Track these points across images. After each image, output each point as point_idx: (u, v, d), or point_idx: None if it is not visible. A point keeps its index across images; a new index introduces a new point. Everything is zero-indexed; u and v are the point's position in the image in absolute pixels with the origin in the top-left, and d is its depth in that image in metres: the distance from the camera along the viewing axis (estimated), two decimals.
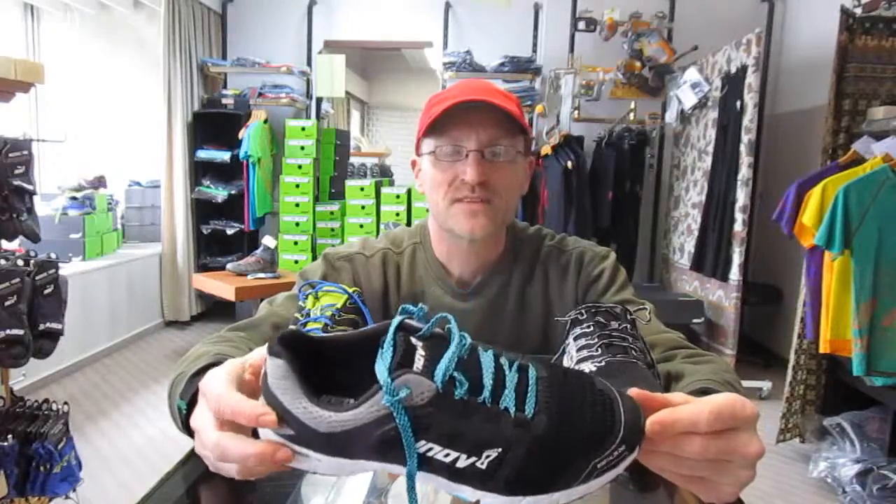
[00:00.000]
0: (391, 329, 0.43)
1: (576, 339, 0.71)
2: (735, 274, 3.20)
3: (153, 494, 0.59)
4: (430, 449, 0.42)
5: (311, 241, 4.28)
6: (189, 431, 0.63)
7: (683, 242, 3.93)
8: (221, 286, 3.48)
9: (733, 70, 3.30)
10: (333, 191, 4.57)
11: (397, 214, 4.24)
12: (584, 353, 0.68)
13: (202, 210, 4.55)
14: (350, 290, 0.84)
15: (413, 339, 0.43)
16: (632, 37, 3.98)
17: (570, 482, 0.42)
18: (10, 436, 1.80)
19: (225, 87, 4.76)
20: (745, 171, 3.12)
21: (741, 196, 3.15)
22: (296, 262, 4.24)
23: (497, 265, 1.00)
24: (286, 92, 4.58)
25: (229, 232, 4.51)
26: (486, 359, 0.44)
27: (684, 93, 3.75)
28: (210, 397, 0.49)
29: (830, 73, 2.56)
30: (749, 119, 3.09)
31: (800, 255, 2.57)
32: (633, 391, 0.46)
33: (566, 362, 0.71)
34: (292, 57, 4.68)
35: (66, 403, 1.99)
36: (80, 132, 4.25)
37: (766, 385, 3.41)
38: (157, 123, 4.33)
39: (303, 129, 4.30)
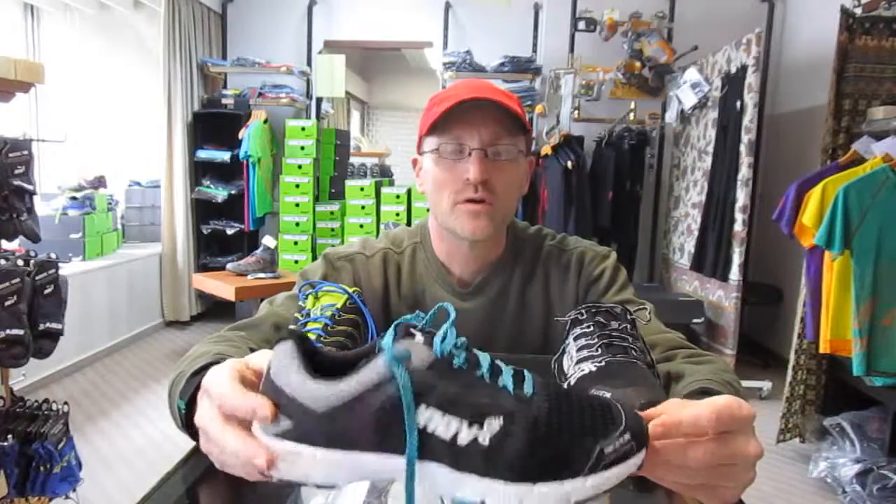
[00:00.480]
0: (393, 325, 0.44)
1: (576, 339, 0.71)
2: (735, 274, 3.20)
3: (153, 494, 0.59)
4: (430, 419, 0.41)
5: (311, 241, 4.28)
6: (189, 431, 0.63)
7: (683, 242, 3.93)
8: (221, 286, 3.48)
9: (733, 70, 3.30)
10: (333, 191, 4.57)
11: (397, 214, 4.24)
12: (584, 353, 0.68)
13: (202, 210, 4.55)
14: (350, 290, 0.84)
15: (413, 330, 0.44)
16: (632, 37, 3.98)
17: (579, 468, 0.41)
18: (10, 436, 1.80)
19: (225, 87, 4.76)
20: (745, 171, 3.12)
21: (741, 196, 3.15)
22: (296, 262, 4.24)
23: (498, 265, 1.00)
24: (286, 92, 4.58)
25: (229, 232, 4.51)
26: (483, 355, 0.45)
27: (684, 93, 3.75)
28: (213, 393, 0.49)
29: (830, 73, 2.56)
30: (749, 119, 3.09)
31: (800, 255, 2.57)
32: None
33: (566, 362, 0.71)
34: (292, 57, 4.68)
35: (66, 403, 1.99)
36: (80, 132, 4.25)
37: (766, 385, 3.41)
38: (157, 123, 4.33)
39: (303, 129, 4.30)
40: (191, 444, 0.65)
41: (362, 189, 4.29)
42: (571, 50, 4.33)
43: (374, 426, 0.41)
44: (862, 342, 2.21)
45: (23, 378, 2.51)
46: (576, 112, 4.15)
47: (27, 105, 4.16)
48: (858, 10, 2.60)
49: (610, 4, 3.98)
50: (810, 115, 3.76)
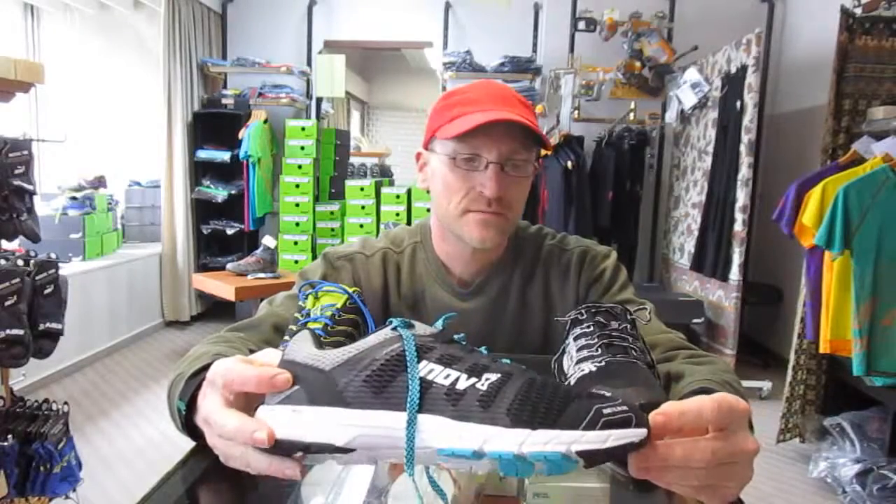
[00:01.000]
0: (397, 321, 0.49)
1: (576, 339, 0.71)
2: (735, 274, 3.20)
3: (153, 494, 0.59)
4: (430, 371, 0.44)
5: (311, 241, 4.28)
6: (189, 431, 0.63)
7: (683, 242, 3.94)
8: (221, 286, 3.48)
9: (733, 70, 3.30)
10: (333, 191, 4.57)
11: (397, 214, 4.24)
12: (584, 353, 0.68)
13: (202, 210, 4.55)
14: (350, 290, 0.84)
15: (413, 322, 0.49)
16: (632, 37, 3.98)
17: (576, 422, 0.40)
18: (10, 436, 1.80)
19: (225, 87, 4.76)
20: (745, 171, 3.12)
21: (741, 196, 3.15)
22: (296, 262, 4.24)
23: (498, 265, 1.00)
24: (286, 92, 4.58)
25: (229, 232, 4.51)
26: (481, 350, 0.48)
27: (684, 93, 3.75)
28: (224, 373, 0.51)
29: (830, 73, 2.56)
30: (749, 119, 3.09)
31: (800, 255, 2.57)
32: None
33: (566, 362, 0.71)
34: (292, 57, 4.68)
35: (66, 403, 1.99)
36: (80, 132, 4.25)
37: (766, 385, 3.41)
38: (157, 123, 4.33)
39: (303, 129, 4.30)
40: (191, 444, 0.65)
41: (362, 189, 4.29)
42: (571, 50, 4.33)
43: (378, 379, 0.44)
44: (862, 342, 2.21)
45: (23, 378, 2.51)
46: (576, 112, 4.15)
47: (27, 105, 4.16)
48: (858, 10, 2.60)
49: (610, 4, 3.98)
50: (810, 115, 3.76)
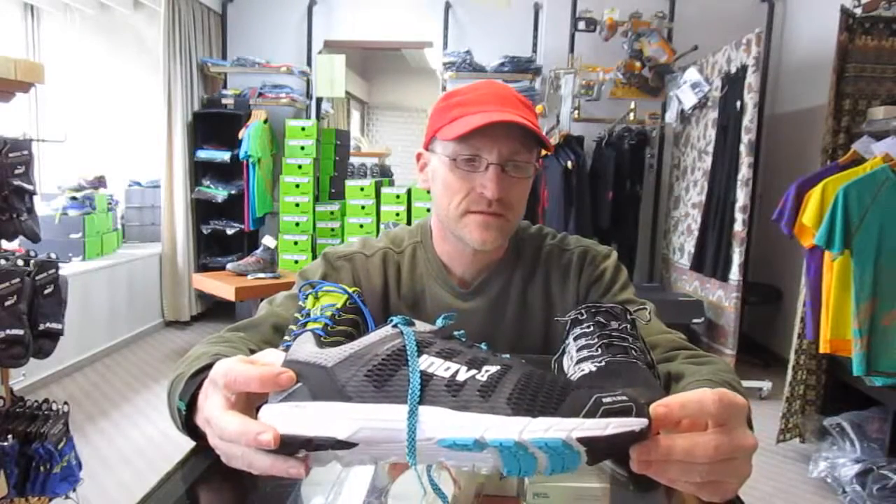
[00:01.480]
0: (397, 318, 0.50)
1: (576, 339, 0.71)
2: (735, 274, 3.20)
3: (153, 494, 0.59)
4: (430, 364, 0.44)
5: (311, 241, 4.28)
6: (189, 431, 0.63)
7: (683, 242, 3.94)
8: (221, 286, 3.48)
9: (733, 70, 3.30)
10: (333, 191, 4.57)
11: (397, 214, 4.24)
12: (584, 353, 0.68)
13: (202, 210, 4.55)
14: (350, 290, 0.84)
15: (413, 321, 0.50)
16: (632, 37, 3.98)
17: (576, 410, 0.40)
18: (10, 436, 1.80)
19: (225, 87, 4.76)
20: (745, 171, 3.12)
21: (741, 196, 3.15)
22: (296, 262, 4.24)
23: (499, 265, 1.00)
24: (286, 92, 4.58)
25: (229, 232, 4.51)
26: (482, 345, 0.49)
27: (684, 93, 3.75)
28: (221, 373, 0.50)
29: (830, 73, 2.56)
30: (749, 119, 3.09)
31: (800, 255, 2.57)
32: None
33: (566, 362, 0.71)
34: (292, 57, 4.68)
35: (66, 403, 1.99)
36: (80, 132, 4.25)
37: (766, 385, 3.41)
38: (157, 123, 4.33)
39: (303, 129, 4.30)
40: (191, 444, 0.66)
41: (362, 189, 4.29)
42: (571, 50, 4.33)
43: (379, 374, 0.44)
44: (862, 342, 2.21)
45: (23, 378, 2.51)
46: (576, 112, 4.15)
47: (27, 105, 4.16)
48: (858, 10, 2.60)
49: (610, 4, 3.98)
50: (810, 115, 3.76)
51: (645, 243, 4.48)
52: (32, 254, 2.00)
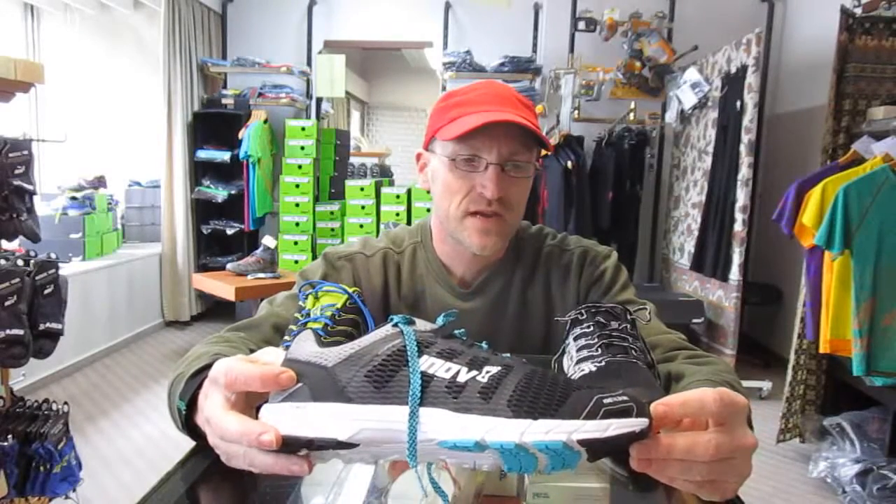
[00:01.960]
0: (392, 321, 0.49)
1: (576, 339, 0.71)
2: (735, 274, 3.20)
3: (153, 494, 0.59)
4: (431, 365, 0.44)
5: (311, 241, 4.28)
6: (189, 431, 0.63)
7: (683, 242, 3.94)
8: (221, 286, 3.48)
9: (733, 70, 3.30)
10: (333, 191, 4.57)
11: (397, 214, 4.24)
12: (584, 353, 0.68)
13: (202, 210, 4.55)
14: (350, 290, 0.84)
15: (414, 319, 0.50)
16: (632, 37, 3.98)
17: (577, 411, 0.40)
18: (10, 436, 1.80)
19: (225, 87, 4.76)
20: (745, 171, 3.12)
21: (741, 196, 3.15)
22: (296, 262, 4.24)
23: (499, 265, 1.00)
24: (286, 92, 4.58)
25: (229, 232, 4.51)
26: (483, 343, 0.49)
27: (684, 93, 3.75)
28: (221, 372, 0.50)
29: (830, 73, 2.56)
30: (749, 119, 3.09)
31: (800, 255, 2.57)
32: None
33: (566, 362, 0.71)
34: (292, 57, 4.68)
35: (66, 403, 1.99)
36: (80, 132, 4.25)
37: (766, 385, 3.41)
38: (157, 123, 4.33)
39: (303, 129, 4.30)
40: (191, 443, 0.66)
41: (362, 189, 4.29)
42: (571, 50, 4.33)
43: (379, 375, 0.44)
44: (862, 342, 2.21)
45: (23, 378, 2.51)
46: (576, 112, 4.15)
47: (27, 105, 4.16)
48: (858, 10, 2.60)
49: (610, 4, 3.98)
50: (810, 115, 3.76)
51: (645, 243, 4.48)
52: (32, 254, 2.00)
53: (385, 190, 4.30)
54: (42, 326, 1.94)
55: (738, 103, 3.18)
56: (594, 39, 4.16)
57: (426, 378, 0.43)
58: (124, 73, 4.68)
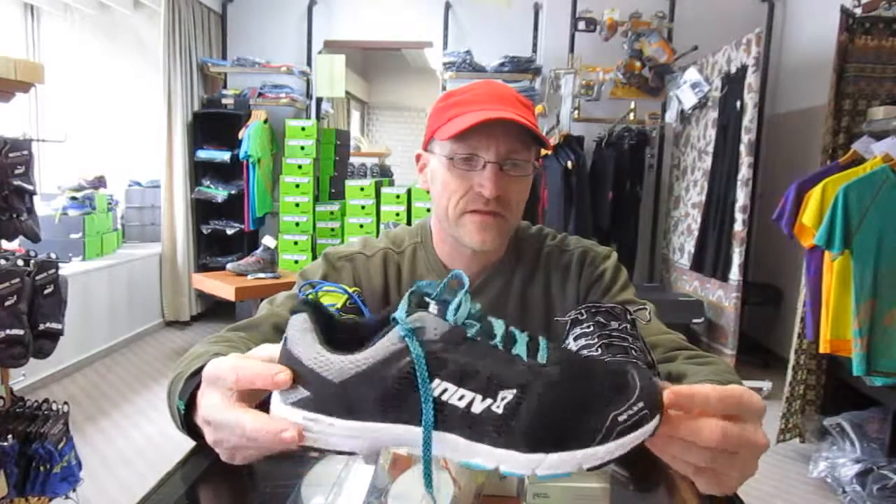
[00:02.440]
0: (407, 293, 0.45)
1: (576, 339, 0.70)
2: (735, 274, 3.20)
3: (153, 494, 0.59)
4: (444, 391, 0.42)
5: (311, 241, 4.28)
6: (189, 431, 0.63)
7: (683, 242, 3.94)
8: (221, 286, 3.48)
9: (733, 70, 3.30)
10: (333, 191, 4.57)
11: (397, 214, 4.24)
12: (584, 353, 0.68)
13: (202, 210, 4.55)
14: (350, 290, 0.84)
15: (427, 299, 0.45)
16: (632, 37, 3.98)
17: (591, 437, 0.41)
18: (10, 436, 1.80)
19: (225, 87, 4.76)
20: (745, 171, 3.12)
21: (741, 196, 3.15)
22: (296, 262, 4.24)
23: (499, 265, 1.00)
24: (286, 92, 4.58)
25: (229, 232, 4.51)
26: (497, 322, 0.46)
27: (684, 93, 3.75)
28: (224, 370, 0.50)
29: (830, 73, 2.56)
30: (749, 119, 3.09)
31: (800, 255, 2.57)
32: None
33: None
34: (292, 57, 4.68)
35: (66, 403, 1.99)
36: (80, 132, 4.25)
37: (766, 385, 3.41)
38: (157, 123, 4.33)
39: (303, 129, 4.30)
40: (191, 443, 0.65)
41: (362, 189, 4.29)
42: (571, 50, 4.33)
43: (390, 396, 0.42)
44: (862, 342, 2.21)
45: (23, 378, 2.51)
46: (576, 112, 4.15)
47: (27, 105, 4.16)
48: (858, 10, 2.60)
49: (610, 4, 3.98)
50: (810, 115, 3.76)
51: (645, 243, 4.48)
52: (32, 254, 2.00)
53: (385, 190, 4.30)
54: (42, 326, 1.94)
55: (738, 103, 3.18)
56: (594, 39, 4.16)
57: (439, 404, 0.42)
58: (124, 73, 4.68)
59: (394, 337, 0.42)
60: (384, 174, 5.53)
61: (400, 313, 0.43)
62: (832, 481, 2.36)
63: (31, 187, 2.01)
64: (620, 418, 0.41)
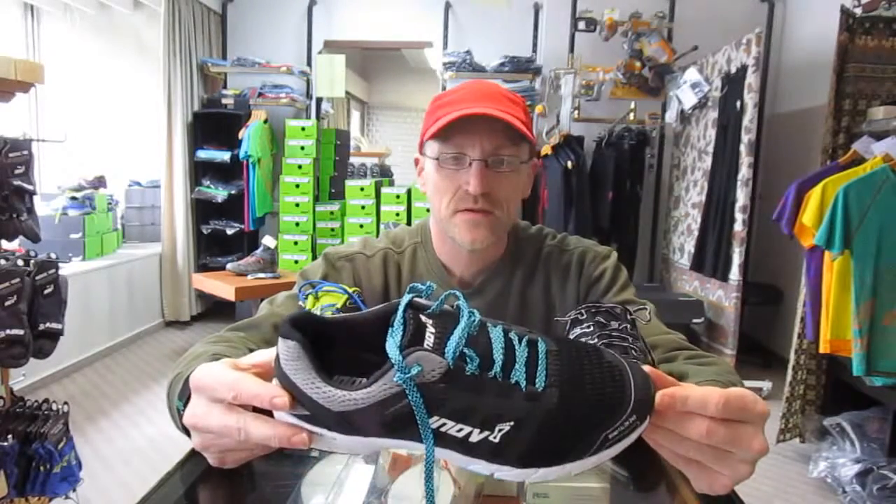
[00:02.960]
0: (401, 307, 0.43)
1: (576, 339, 0.70)
2: (735, 274, 3.20)
3: (153, 494, 0.59)
4: (443, 425, 0.42)
5: (311, 241, 4.28)
6: (188, 431, 0.63)
7: (683, 242, 3.94)
8: (221, 286, 3.47)
9: (733, 70, 3.30)
10: (333, 191, 4.57)
11: (397, 214, 4.24)
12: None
13: (202, 210, 4.55)
14: (350, 290, 0.84)
15: (423, 317, 0.43)
16: (632, 37, 3.98)
17: (582, 454, 0.43)
18: (10, 436, 1.80)
19: (225, 87, 4.76)
20: (745, 171, 3.12)
21: (741, 196, 3.15)
22: (296, 262, 4.24)
23: (498, 265, 1.00)
24: (286, 92, 4.58)
25: (229, 232, 4.51)
26: (496, 334, 0.45)
27: (684, 93, 3.75)
28: (223, 384, 0.49)
29: (830, 73, 2.56)
30: (749, 119, 3.09)
31: (800, 255, 2.57)
32: (647, 368, 0.46)
33: None
34: (292, 57, 4.68)
35: (66, 403, 1.99)
36: (80, 132, 4.25)
37: (766, 385, 3.41)
38: (157, 123, 4.33)
39: (303, 129, 4.30)
40: (191, 443, 0.65)
41: (362, 189, 4.29)
42: (571, 50, 4.33)
43: (390, 426, 0.43)
44: (862, 342, 2.21)
45: (23, 378, 2.51)
46: (576, 112, 4.15)
47: (27, 105, 4.16)
48: (858, 10, 2.60)
49: (610, 4, 3.98)
50: (810, 115, 3.76)
51: (645, 243, 4.48)
52: (32, 254, 2.00)
53: (385, 190, 4.30)
54: (42, 326, 1.94)
55: (738, 103, 3.18)
56: (594, 39, 4.16)
57: (438, 434, 0.43)
58: (124, 73, 4.68)
59: (390, 380, 0.41)
60: (384, 174, 5.53)
61: (394, 352, 0.41)
62: (832, 481, 2.36)
63: (31, 187, 2.01)
64: (612, 435, 0.43)
